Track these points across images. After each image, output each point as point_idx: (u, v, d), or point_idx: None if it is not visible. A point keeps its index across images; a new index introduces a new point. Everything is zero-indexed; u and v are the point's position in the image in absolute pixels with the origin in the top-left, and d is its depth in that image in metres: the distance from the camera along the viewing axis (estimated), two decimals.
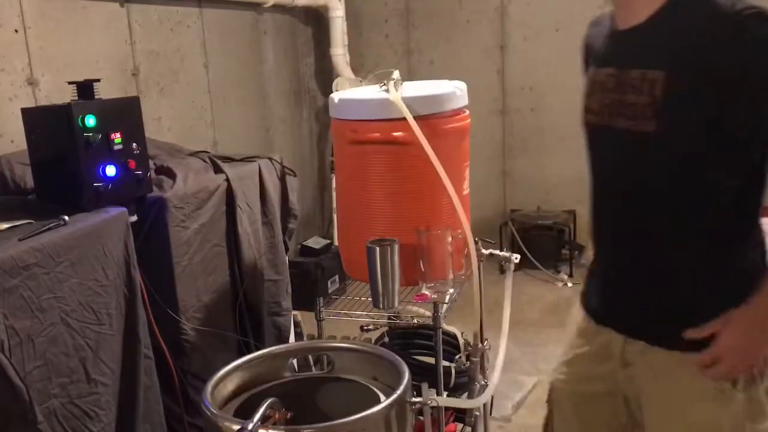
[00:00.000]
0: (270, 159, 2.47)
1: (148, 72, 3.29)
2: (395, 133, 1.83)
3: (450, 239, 1.84)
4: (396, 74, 1.91)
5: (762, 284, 1.18)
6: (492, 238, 2.17)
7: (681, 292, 1.27)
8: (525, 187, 5.02)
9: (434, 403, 1.50)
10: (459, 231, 1.85)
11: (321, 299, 2.06)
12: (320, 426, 1.35)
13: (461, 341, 2.26)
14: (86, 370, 1.59)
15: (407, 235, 1.82)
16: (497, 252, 2.08)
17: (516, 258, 2.09)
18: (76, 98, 1.78)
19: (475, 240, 1.91)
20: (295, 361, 1.67)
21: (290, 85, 4.76)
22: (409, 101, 1.81)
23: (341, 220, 2.13)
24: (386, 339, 2.32)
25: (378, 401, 1.41)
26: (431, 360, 2.13)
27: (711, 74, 1.13)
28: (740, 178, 1.21)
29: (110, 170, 1.75)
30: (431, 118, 1.85)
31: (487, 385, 2.09)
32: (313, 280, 3.86)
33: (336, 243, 3.68)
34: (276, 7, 4.31)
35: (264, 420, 1.30)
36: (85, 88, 1.78)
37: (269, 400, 1.34)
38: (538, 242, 4.66)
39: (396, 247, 1.77)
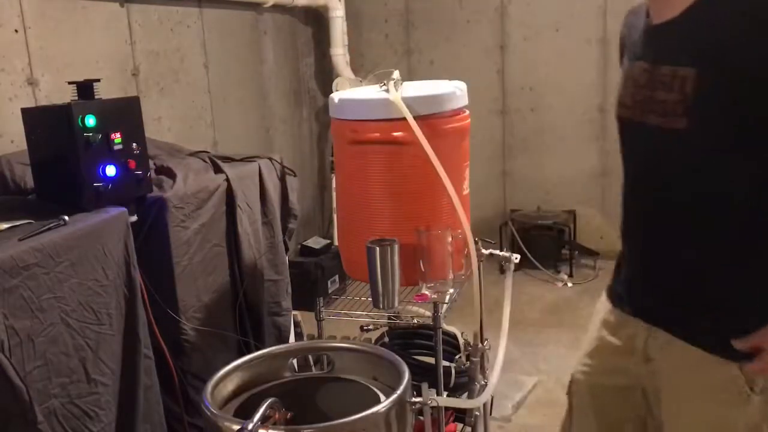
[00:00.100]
0: (270, 159, 2.47)
1: (148, 72, 3.29)
2: (395, 133, 1.83)
3: (450, 239, 1.84)
4: (396, 74, 1.90)
5: None
6: (492, 238, 2.17)
7: (707, 288, 1.27)
8: (525, 187, 5.02)
9: (434, 403, 1.50)
10: (459, 231, 1.85)
11: (321, 299, 2.06)
12: (320, 426, 1.35)
13: (461, 341, 2.26)
14: (86, 370, 1.59)
15: (407, 235, 1.82)
16: (497, 252, 2.08)
17: (516, 258, 2.09)
18: (76, 98, 1.78)
19: (475, 240, 1.91)
20: (295, 361, 1.67)
21: (290, 85, 4.77)
22: (409, 101, 1.81)
23: (341, 220, 2.13)
24: (386, 339, 2.32)
25: (378, 401, 1.41)
26: (431, 360, 2.13)
27: (743, 72, 1.12)
28: None
29: (110, 170, 1.75)
30: (431, 118, 1.85)
31: (487, 385, 2.09)
32: (313, 280, 3.86)
33: (336, 243, 3.68)
34: (276, 7, 4.31)
35: (264, 420, 1.30)
36: (85, 88, 1.78)
37: (269, 400, 1.34)
38: (538, 242, 4.66)
39: (396, 247, 1.77)
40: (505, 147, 5.05)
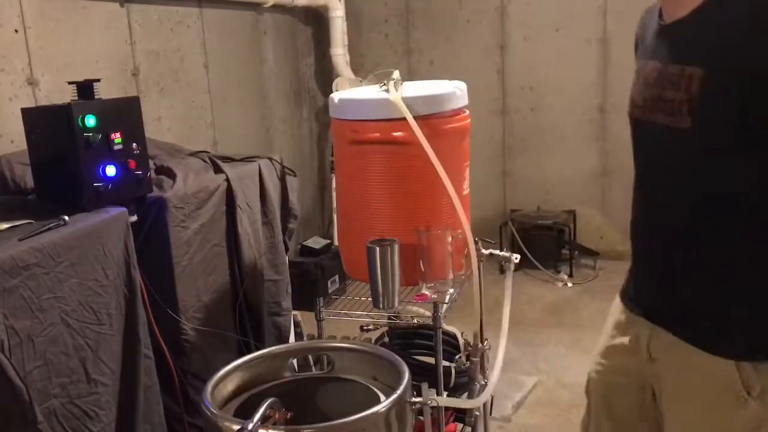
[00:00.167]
0: (270, 159, 2.47)
1: (148, 72, 3.29)
2: (395, 133, 1.83)
3: (450, 239, 1.84)
4: (396, 74, 1.90)
5: None
6: (492, 238, 2.17)
7: (709, 288, 1.27)
8: (525, 187, 5.02)
9: (434, 403, 1.50)
10: (459, 231, 1.85)
11: (321, 299, 2.06)
12: (320, 426, 1.35)
13: (461, 341, 2.26)
14: (86, 370, 1.59)
15: (407, 235, 1.82)
16: (497, 252, 2.08)
17: (516, 258, 2.09)
18: (76, 98, 1.78)
19: (475, 240, 1.91)
20: (295, 361, 1.67)
21: (290, 85, 4.77)
22: (409, 101, 1.81)
23: (341, 220, 2.13)
24: (386, 339, 2.32)
25: (378, 401, 1.41)
26: (431, 360, 2.13)
27: (747, 73, 1.12)
28: None
29: (110, 170, 1.75)
30: (431, 118, 1.85)
31: (487, 385, 2.09)
32: (313, 280, 3.86)
33: (336, 243, 3.68)
34: (276, 7, 4.32)
35: (264, 420, 1.30)
36: (85, 88, 1.78)
37: (269, 400, 1.34)
38: (538, 242, 4.66)
39: (396, 247, 1.77)
40: (505, 147, 5.05)
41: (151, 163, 2.07)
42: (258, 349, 1.98)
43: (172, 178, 2.09)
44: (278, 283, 2.47)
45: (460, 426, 2.22)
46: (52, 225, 1.56)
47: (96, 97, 1.77)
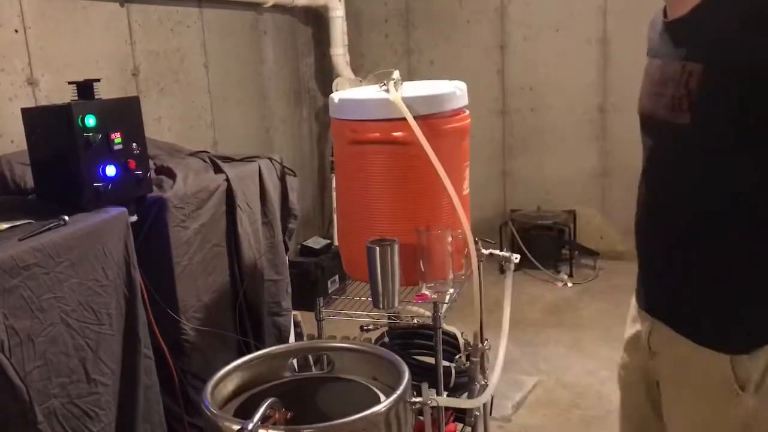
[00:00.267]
0: (270, 159, 2.47)
1: (148, 72, 3.29)
2: (395, 133, 1.83)
3: (450, 239, 1.84)
4: (396, 74, 1.90)
5: None
6: (492, 238, 2.17)
7: (708, 285, 1.28)
8: (525, 187, 5.02)
9: (434, 403, 1.50)
10: (459, 231, 1.85)
11: (321, 299, 2.06)
12: (320, 426, 1.35)
13: (461, 341, 2.26)
14: (86, 370, 1.59)
15: (407, 235, 1.82)
16: (497, 252, 2.08)
17: (516, 258, 2.09)
18: (76, 98, 1.78)
19: (475, 240, 1.91)
20: (295, 361, 1.67)
21: (290, 85, 4.77)
22: (409, 101, 1.81)
23: (341, 220, 2.13)
24: (386, 339, 2.32)
25: (378, 401, 1.41)
26: (431, 360, 2.13)
27: (745, 71, 1.13)
28: None
29: (110, 170, 1.75)
30: (431, 118, 1.85)
31: (487, 385, 2.09)
32: (313, 280, 3.86)
33: (336, 243, 3.68)
34: (276, 7, 4.32)
35: (264, 420, 1.30)
36: (85, 88, 1.78)
37: (269, 400, 1.34)
38: (538, 242, 4.66)
39: (396, 247, 1.77)
40: (505, 147, 5.05)
41: (151, 163, 2.07)
42: (258, 349, 1.98)
43: (172, 178, 2.09)
44: (278, 283, 2.47)
45: (460, 426, 2.22)
46: (52, 225, 1.56)
47: (96, 97, 1.78)
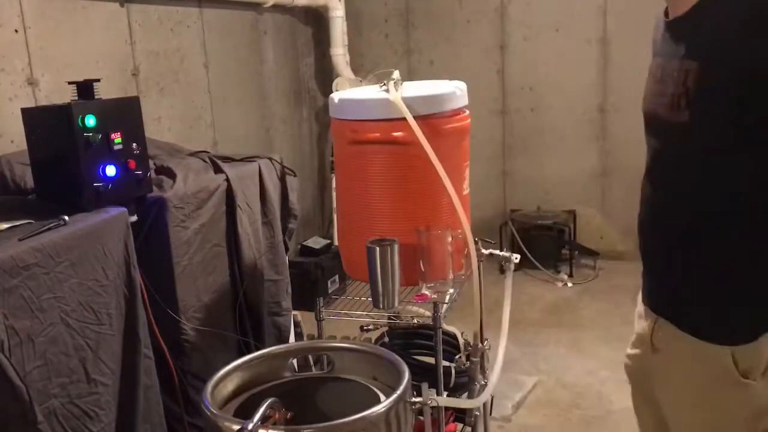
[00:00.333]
0: (270, 159, 2.47)
1: (148, 72, 3.29)
2: (395, 133, 1.83)
3: (450, 239, 1.84)
4: (396, 74, 1.90)
5: None
6: (492, 238, 2.17)
7: (708, 282, 1.28)
8: (525, 187, 5.02)
9: (434, 403, 1.50)
10: (459, 231, 1.85)
11: (321, 299, 2.06)
12: (320, 426, 1.35)
13: (461, 341, 2.26)
14: (86, 370, 1.59)
15: (407, 235, 1.82)
16: (497, 252, 2.08)
17: (516, 258, 2.09)
18: (76, 98, 1.78)
19: (475, 240, 1.91)
20: (295, 361, 1.67)
21: (290, 85, 4.77)
22: (409, 101, 1.81)
23: (341, 220, 2.13)
24: (386, 339, 2.32)
25: (378, 401, 1.41)
26: (431, 360, 2.13)
27: (742, 70, 1.14)
28: None
29: (110, 170, 1.75)
30: (431, 118, 1.85)
31: (487, 385, 2.09)
32: (313, 280, 3.86)
33: (336, 243, 3.68)
34: (276, 7, 4.32)
35: (264, 420, 1.30)
36: (85, 88, 1.78)
37: (269, 400, 1.34)
38: (538, 242, 4.66)
39: (396, 247, 1.77)
40: (505, 147, 5.05)
41: (151, 163, 2.07)
42: (258, 349, 1.98)
43: (172, 178, 2.09)
44: (278, 283, 2.47)
45: (460, 426, 2.22)
46: (52, 225, 1.56)
47: (96, 97, 1.77)
